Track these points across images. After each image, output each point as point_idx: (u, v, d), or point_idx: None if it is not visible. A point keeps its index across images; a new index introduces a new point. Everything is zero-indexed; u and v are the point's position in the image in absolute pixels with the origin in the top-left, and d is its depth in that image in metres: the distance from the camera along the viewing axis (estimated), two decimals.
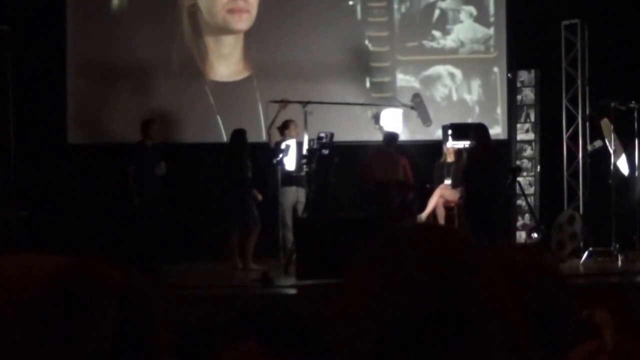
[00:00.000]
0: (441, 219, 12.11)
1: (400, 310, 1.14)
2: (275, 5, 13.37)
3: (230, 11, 13.36)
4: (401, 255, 1.18)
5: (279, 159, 11.49)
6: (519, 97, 13.44)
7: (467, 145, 11.83)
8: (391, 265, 1.18)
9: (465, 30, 13.57)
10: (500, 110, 13.53)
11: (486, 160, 11.21)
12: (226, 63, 13.52)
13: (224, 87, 13.35)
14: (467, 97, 13.56)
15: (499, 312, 1.18)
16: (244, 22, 13.42)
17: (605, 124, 11.94)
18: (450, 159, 12.44)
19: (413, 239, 1.20)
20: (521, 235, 12.91)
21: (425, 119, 12.86)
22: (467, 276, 1.17)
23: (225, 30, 13.48)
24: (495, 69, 13.56)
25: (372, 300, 1.16)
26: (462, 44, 13.57)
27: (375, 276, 1.18)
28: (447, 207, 12.26)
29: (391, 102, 13.06)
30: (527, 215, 12.96)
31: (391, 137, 12.30)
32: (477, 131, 11.59)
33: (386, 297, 1.15)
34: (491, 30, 13.59)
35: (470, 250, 1.20)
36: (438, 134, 12.79)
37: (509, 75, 13.46)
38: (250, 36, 13.43)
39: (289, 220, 11.66)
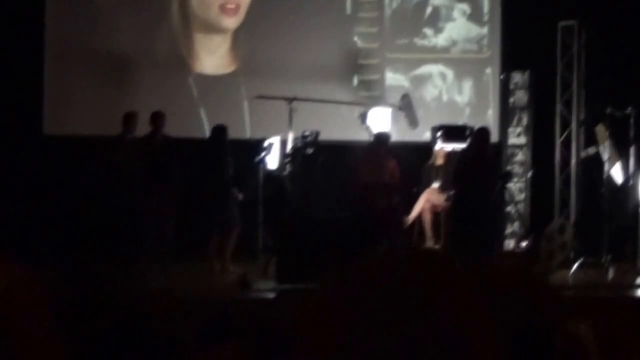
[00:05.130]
0: (427, 225, 11.94)
1: (366, 345, 1.10)
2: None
3: (222, 8, 12.96)
4: (370, 288, 1.14)
5: (260, 157, 11.17)
6: (511, 100, 13.16)
7: (456, 148, 11.55)
8: (358, 298, 1.14)
9: (458, 29, 13.31)
10: (492, 113, 13.30)
11: (476, 166, 10.90)
12: (212, 56, 13.20)
13: (208, 80, 13.02)
14: (457, 98, 13.29)
15: (475, 343, 1.12)
16: (233, 20, 13.09)
17: (600, 130, 11.68)
18: (439, 161, 12.15)
19: (382, 268, 1.17)
20: (510, 244, 12.62)
21: (413, 121, 12.55)
22: (440, 309, 1.12)
23: (214, 26, 13.12)
24: (488, 70, 13.30)
25: (339, 333, 1.12)
26: (454, 43, 13.30)
27: (344, 307, 1.14)
28: (434, 212, 11.94)
29: (378, 102, 12.71)
30: (516, 223, 12.64)
31: (382, 137, 11.88)
32: (476, 134, 11.27)
33: (353, 330, 1.11)
34: (485, 29, 13.32)
35: (444, 279, 1.16)
36: (427, 136, 12.45)
37: (502, 76, 13.15)
38: (238, 30, 13.12)
39: None
